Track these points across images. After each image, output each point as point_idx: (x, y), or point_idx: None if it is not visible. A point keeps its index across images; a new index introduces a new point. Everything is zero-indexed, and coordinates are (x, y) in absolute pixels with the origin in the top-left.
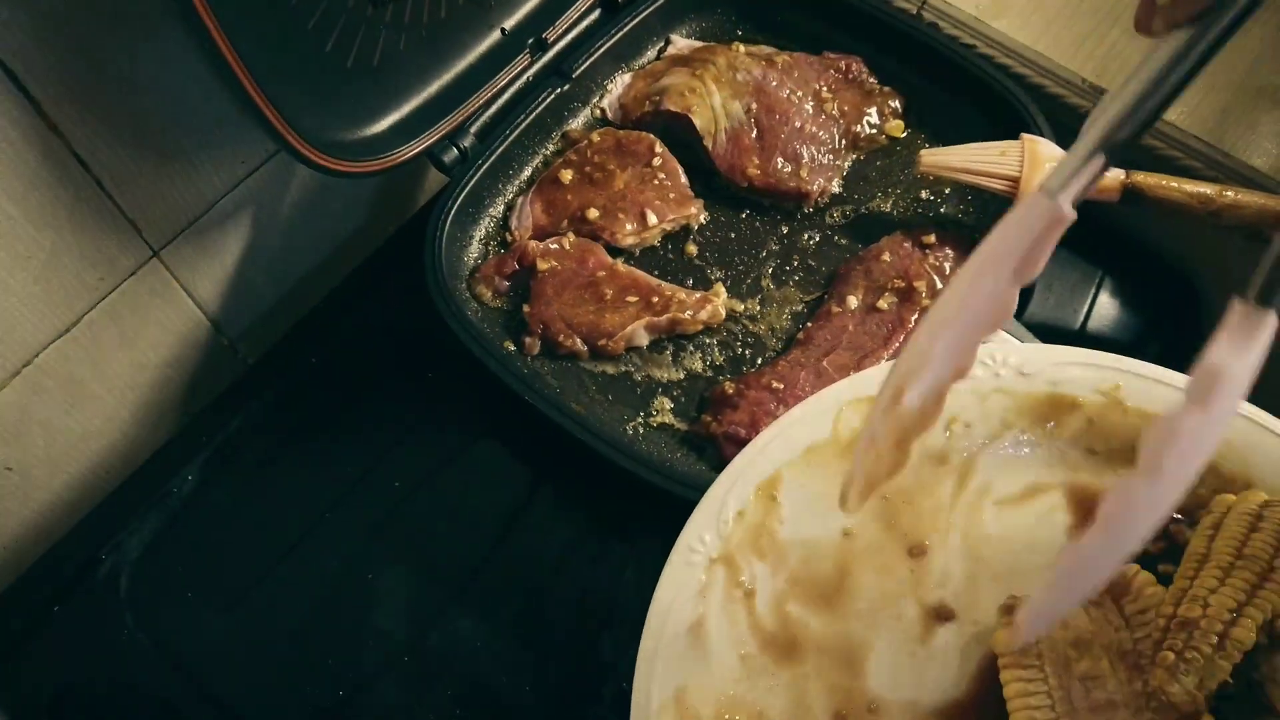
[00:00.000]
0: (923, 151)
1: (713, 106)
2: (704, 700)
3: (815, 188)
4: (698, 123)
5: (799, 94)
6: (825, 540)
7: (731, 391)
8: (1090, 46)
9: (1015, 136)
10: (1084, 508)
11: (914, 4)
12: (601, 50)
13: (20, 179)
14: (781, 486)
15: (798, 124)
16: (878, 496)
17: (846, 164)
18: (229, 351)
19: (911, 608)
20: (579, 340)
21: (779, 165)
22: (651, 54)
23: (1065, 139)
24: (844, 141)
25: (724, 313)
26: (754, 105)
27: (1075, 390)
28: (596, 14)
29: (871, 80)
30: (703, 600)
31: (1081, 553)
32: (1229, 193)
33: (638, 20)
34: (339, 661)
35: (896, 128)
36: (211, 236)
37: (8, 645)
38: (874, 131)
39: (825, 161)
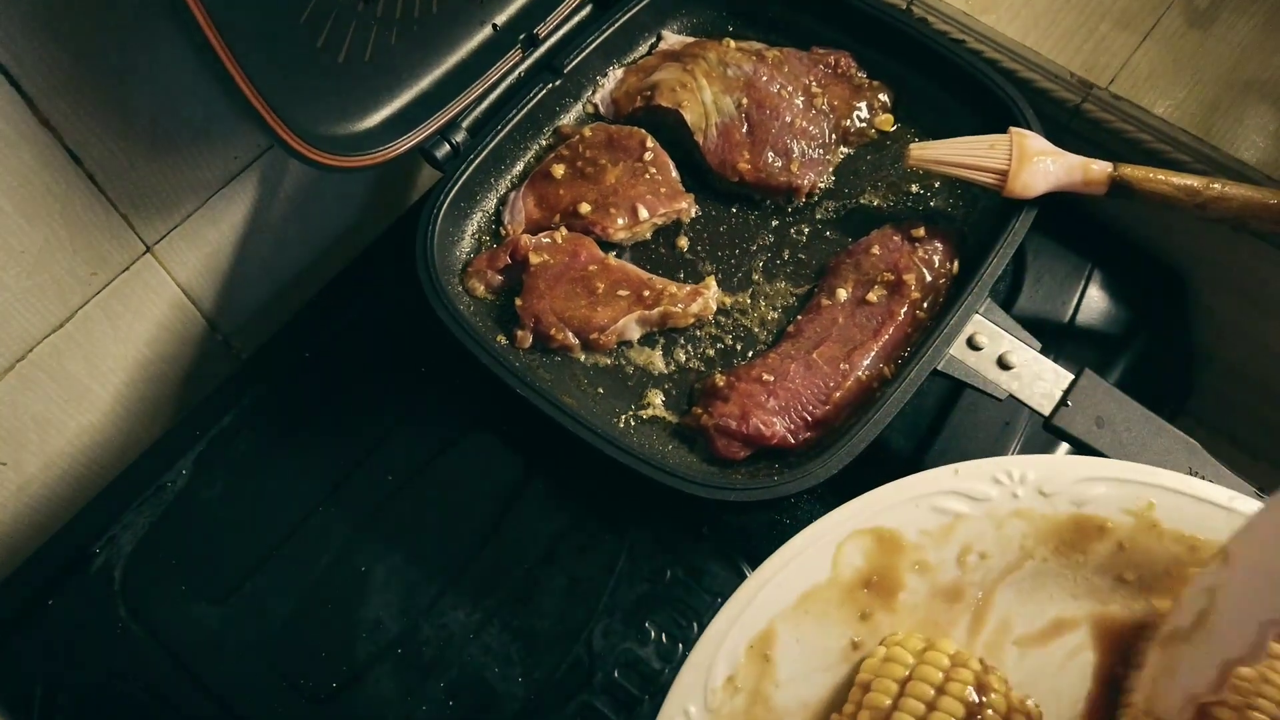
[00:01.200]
0: (912, 145)
1: (704, 102)
2: None
3: (806, 182)
4: (689, 118)
5: (789, 89)
6: (828, 701)
7: (722, 384)
8: (1079, 41)
9: (1004, 130)
10: (1113, 645)
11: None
12: (593, 46)
13: (12, 174)
14: (776, 643)
15: (788, 119)
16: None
17: (837, 158)
18: (222, 346)
19: None
20: (570, 334)
21: (770, 160)
22: (643, 49)
23: (1054, 133)
24: (834, 136)
25: (715, 305)
26: (744, 100)
27: (1102, 511)
28: (588, 10)
29: (860, 75)
30: None
31: None
32: (1216, 185)
33: (629, 16)
34: (332, 652)
35: (886, 121)
36: (204, 232)
37: (1, 638)
38: (864, 125)
39: (815, 156)
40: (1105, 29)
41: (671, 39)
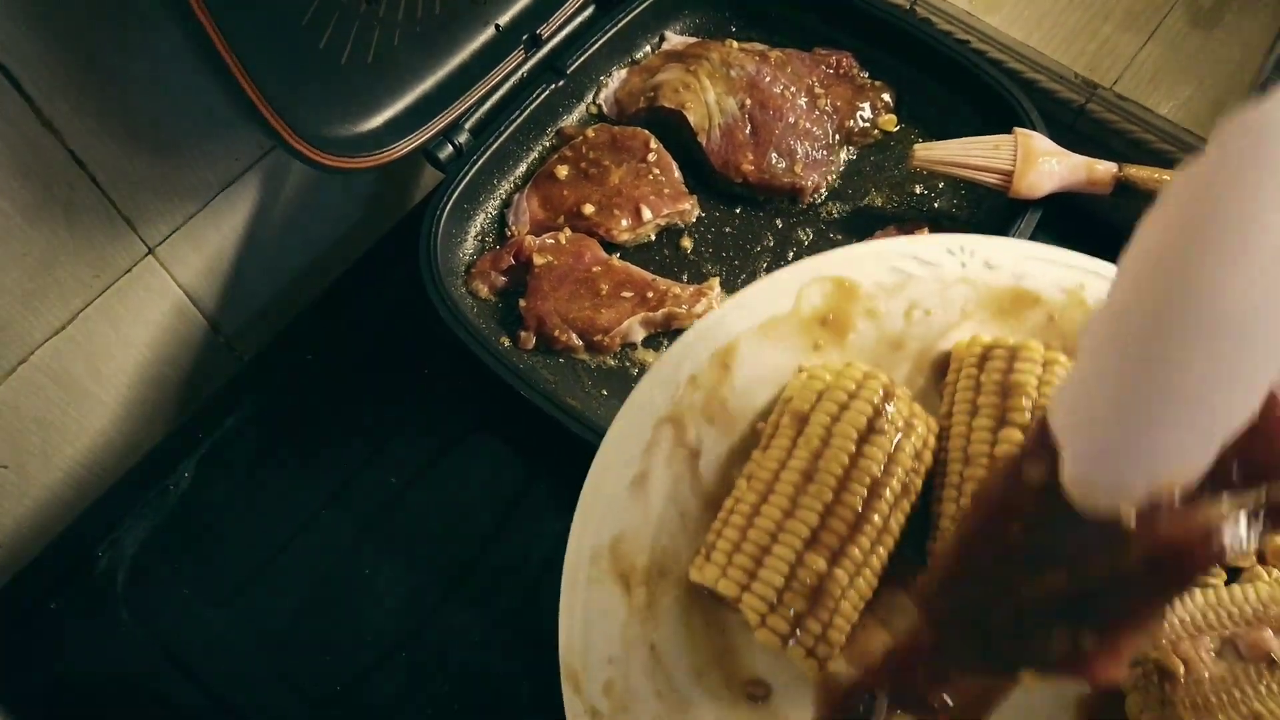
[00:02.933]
0: (916, 146)
1: (707, 103)
2: (639, 550)
3: (810, 183)
4: (692, 119)
5: (792, 89)
6: (764, 412)
7: None
8: (1083, 42)
9: (1008, 131)
10: None
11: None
12: (595, 46)
13: (15, 175)
14: (736, 356)
15: (791, 119)
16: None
17: (840, 159)
18: (224, 348)
19: None
20: (574, 335)
21: (773, 161)
22: (645, 50)
23: (1058, 133)
24: (837, 136)
25: (722, 298)
26: (748, 101)
27: (1039, 286)
28: (590, 10)
29: (863, 75)
30: (647, 456)
31: None
32: None
33: (631, 16)
34: (335, 655)
35: (889, 121)
36: (206, 233)
37: (4, 640)
38: (867, 125)
39: (819, 157)
40: (1109, 29)
41: (674, 39)
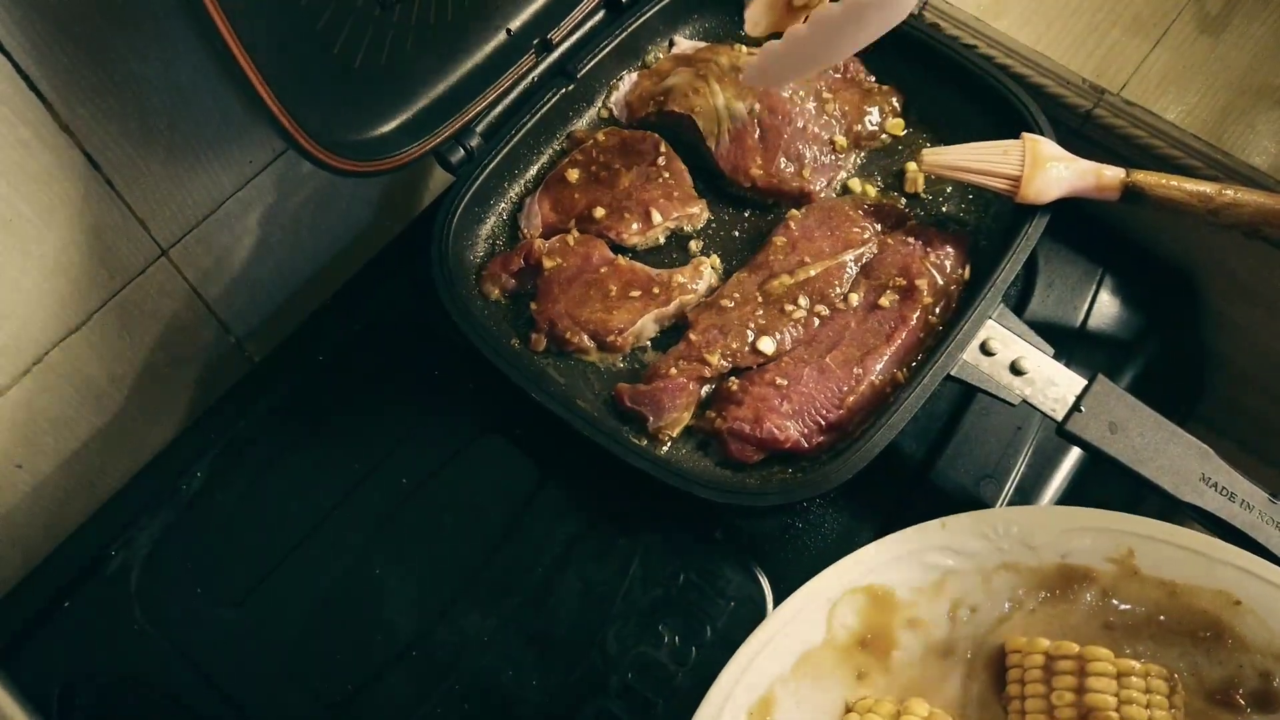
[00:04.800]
0: (924, 150)
1: (716, 107)
2: None
3: (818, 187)
4: (701, 123)
5: (800, 94)
6: None
7: (735, 388)
8: (1090, 47)
9: (1016, 136)
10: None
11: (915, 4)
12: (606, 50)
13: (32, 178)
14: (775, 708)
15: (800, 124)
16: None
17: (849, 163)
18: (235, 349)
19: None
20: (586, 337)
21: (782, 165)
22: (656, 54)
23: (1066, 138)
24: (846, 141)
25: (719, 273)
26: (757, 106)
27: (1086, 561)
28: (601, 14)
29: (869, 80)
30: None
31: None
32: (1228, 191)
33: (642, 20)
34: (347, 656)
35: (897, 125)
36: (219, 236)
37: (18, 639)
38: (874, 129)
39: (827, 161)
40: (1117, 35)
41: (684, 44)
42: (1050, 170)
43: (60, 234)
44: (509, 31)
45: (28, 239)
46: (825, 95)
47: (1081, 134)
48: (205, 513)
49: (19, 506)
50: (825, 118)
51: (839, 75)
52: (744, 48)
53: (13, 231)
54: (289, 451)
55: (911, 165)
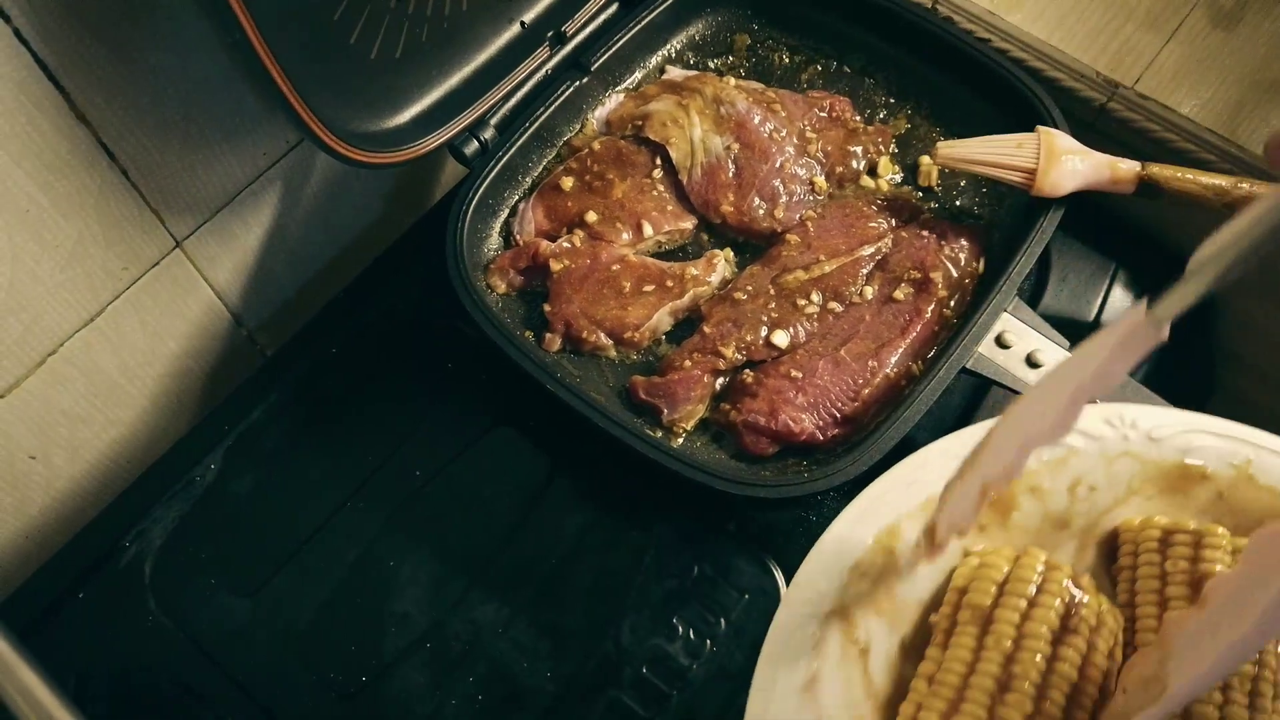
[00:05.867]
0: (940, 144)
1: (692, 139)
2: None
3: (790, 228)
4: (674, 155)
5: (781, 133)
6: (928, 603)
7: (750, 381)
8: (1104, 40)
9: (1030, 129)
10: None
11: None
12: (620, 43)
13: (49, 168)
14: (900, 539)
15: (777, 163)
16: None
17: (827, 199)
18: (248, 342)
19: None
20: (603, 335)
21: (754, 204)
22: (671, 46)
23: (1080, 132)
24: (827, 183)
25: (733, 266)
26: (734, 143)
27: (1206, 461)
28: (615, 7)
29: (856, 120)
30: (816, 656)
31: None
32: (1244, 185)
33: (654, 14)
34: (360, 647)
35: (886, 166)
36: (233, 227)
37: (33, 629)
38: (859, 170)
39: (803, 201)
40: (1130, 29)
41: (674, 72)
42: (1065, 163)
43: (76, 224)
44: (523, 24)
45: (44, 229)
46: (809, 135)
47: (1095, 128)
48: (218, 504)
49: (33, 498)
50: (806, 158)
51: (824, 114)
52: (732, 80)
53: (29, 221)
54: (302, 443)
55: (926, 159)
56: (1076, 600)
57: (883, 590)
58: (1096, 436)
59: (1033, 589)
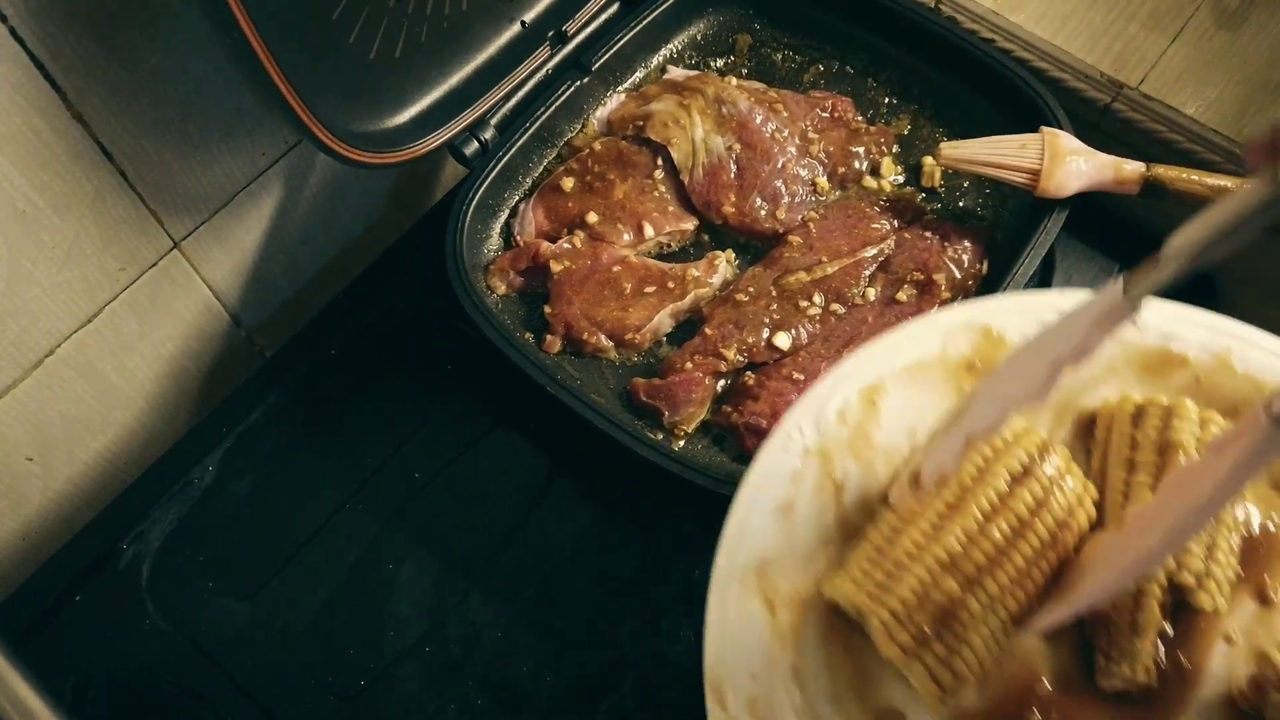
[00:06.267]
0: (943, 144)
1: (693, 139)
2: (783, 576)
3: (792, 229)
4: (676, 156)
5: (783, 133)
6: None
7: (752, 383)
8: (1108, 41)
9: (1034, 130)
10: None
11: None
12: (621, 43)
13: (46, 169)
14: (884, 395)
15: (779, 164)
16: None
17: (829, 200)
18: (246, 343)
19: None
20: (603, 337)
21: (756, 205)
22: (672, 46)
23: (1084, 132)
24: (829, 183)
25: (734, 267)
26: (735, 143)
27: (1187, 349)
28: (616, 7)
29: (859, 120)
30: (794, 485)
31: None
32: (1249, 186)
33: (656, 13)
34: (359, 649)
35: (889, 167)
36: (231, 228)
37: (31, 632)
38: (861, 170)
39: (804, 201)
40: (1134, 29)
41: (675, 72)
42: (1069, 164)
43: (73, 225)
44: (523, 24)
45: (40, 230)
46: (811, 135)
47: (1100, 128)
48: (217, 506)
49: (30, 500)
50: (808, 159)
51: (827, 115)
52: (734, 79)
53: (26, 222)
54: (301, 445)
55: (929, 159)
56: (1042, 458)
57: (862, 438)
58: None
59: (1001, 443)
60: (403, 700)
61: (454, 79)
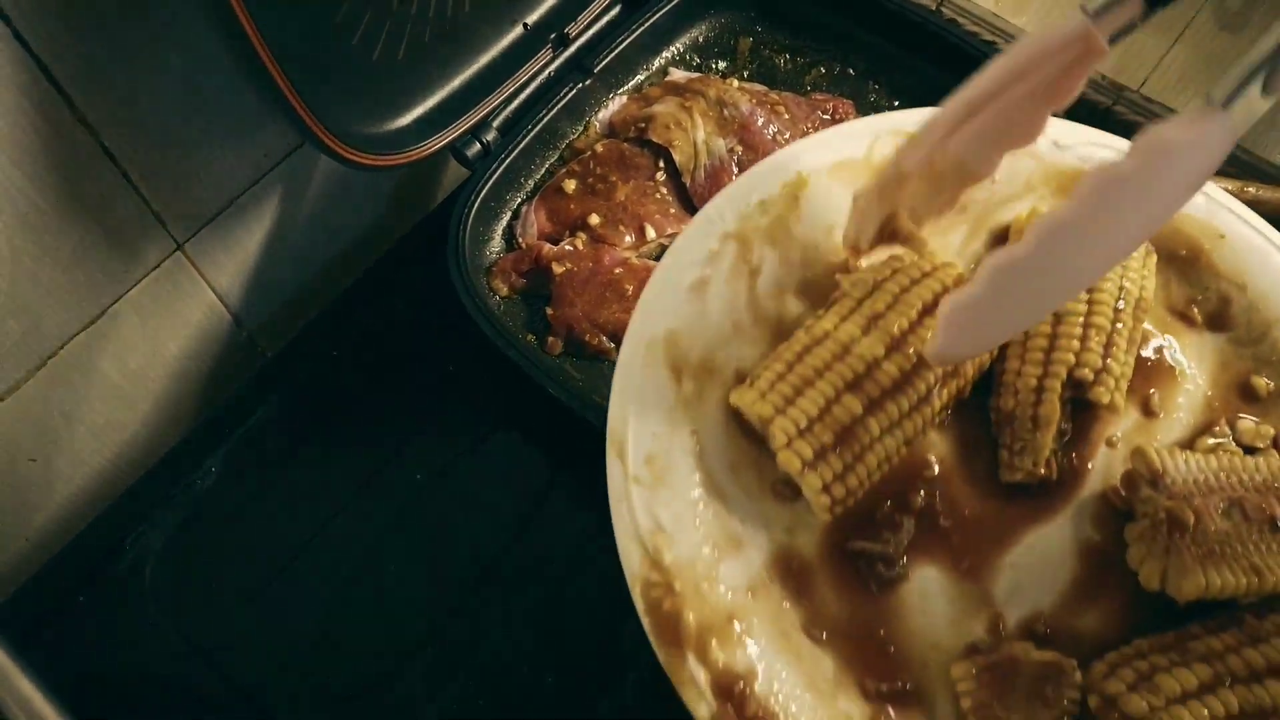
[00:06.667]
0: None
1: (695, 141)
2: (692, 347)
3: None
4: (678, 158)
5: (785, 135)
6: (830, 250)
7: None
8: None
9: None
10: None
11: (934, 0)
12: (623, 46)
13: (50, 171)
14: (806, 191)
15: None
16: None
17: None
18: (248, 344)
19: None
20: (605, 338)
21: None
22: (671, 51)
23: None
24: None
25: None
26: (738, 144)
27: None
28: (617, 9)
29: None
30: (710, 265)
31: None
32: (1250, 188)
33: (658, 16)
34: (360, 650)
35: None
36: (234, 230)
37: (32, 633)
38: None
39: None
40: (1135, 33)
41: (677, 74)
42: None
43: (76, 227)
44: (526, 26)
45: (44, 232)
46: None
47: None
48: (219, 507)
49: (32, 500)
50: None
51: (828, 117)
52: (735, 81)
53: (29, 224)
54: (302, 446)
55: None
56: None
57: (781, 228)
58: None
59: (919, 274)
60: (404, 701)
61: (456, 81)
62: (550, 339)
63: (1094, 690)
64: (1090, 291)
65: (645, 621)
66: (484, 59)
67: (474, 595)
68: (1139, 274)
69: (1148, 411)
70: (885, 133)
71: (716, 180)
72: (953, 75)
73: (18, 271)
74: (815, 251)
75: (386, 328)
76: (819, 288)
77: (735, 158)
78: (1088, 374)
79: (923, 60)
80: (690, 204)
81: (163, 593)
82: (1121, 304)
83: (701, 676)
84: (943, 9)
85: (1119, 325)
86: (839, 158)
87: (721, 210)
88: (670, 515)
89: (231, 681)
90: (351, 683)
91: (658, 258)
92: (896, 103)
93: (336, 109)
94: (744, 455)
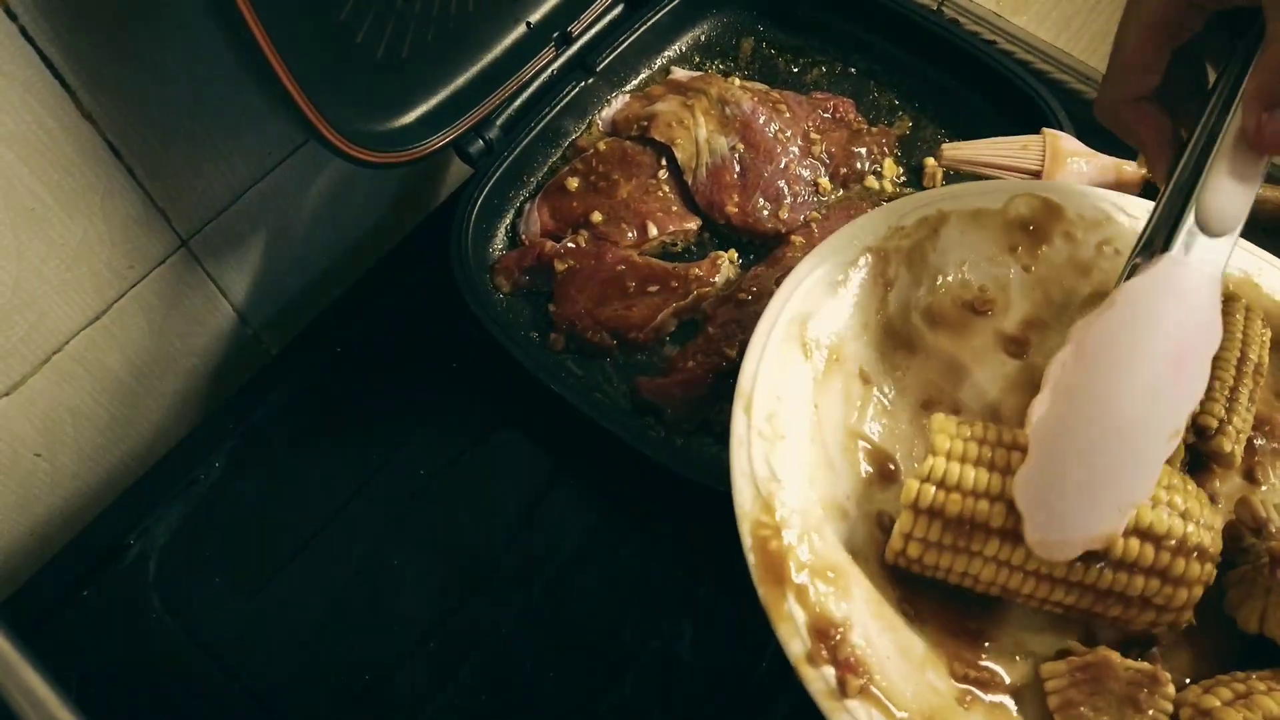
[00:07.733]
0: (944, 145)
1: (697, 139)
2: (823, 331)
3: (794, 229)
4: (680, 156)
5: (786, 133)
6: (957, 284)
7: None
8: (1111, 43)
9: (1036, 131)
10: None
11: (934, 0)
12: (625, 44)
13: (55, 167)
14: (945, 225)
15: (782, 164)
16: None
17: (833, 201)
18: (253, 341)
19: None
20: (607, 335)
21: (759, 205)
22: (673, 50)
23: (1086, 134)
24: (832, 183)
25: (737, 267)
26: (739, 143)
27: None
28: (620, 8)
29: (861, 121)
30: (850, 270)
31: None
32: None
33: (660, 15)
34: (363, 646)
35: (891, 168)
36: (238, 227)
37: (37, 627)
38: (863, 171)
39: (807, 202)
40: None
41: (679, 73)
42: (1071, 166)
43: (81, 223)
44: (529, 24)
45: (49, 227)
46: (813, 136)
47: (1101, 130)
48: (223, 503)
49: (38, 495)
50: (811, 159)
51: (829, 116)
52: (737, 79)
53: (35, 219)
54: (306, 442)
55: (931, 160)
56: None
57: (917, 252)
58: (1137, 217)
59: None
60: (406, 697)
61: (460, 79)
62: (552, 336)
63: (1187, 704)
64: None
65: (751, 559)
66: (487, 57)
67: (476, 591)
68: (1258, 342)
69: (1251, 478)
70: (1022, 194)
71: (718, 178)
72: (953, 75)
73: (23, 267)
74: (944, 282)
75: (390, 325)
76: (943, 315)
77: (737, 156)
78: (1212, 421)
79: (923, 60)
80: (691, 202)
81: (167, 587)
82: (1244, 366)
83: (800, 615)
84: (943, 9)
85: (1241, 384)
86: (979, 205)
87: (867, 226)
88: (786, 470)
89: (235, 675)
90: (353, 678)
91: (659, 255)
92: (896, 101)
93: (340, 106)
94: (854, 435)
